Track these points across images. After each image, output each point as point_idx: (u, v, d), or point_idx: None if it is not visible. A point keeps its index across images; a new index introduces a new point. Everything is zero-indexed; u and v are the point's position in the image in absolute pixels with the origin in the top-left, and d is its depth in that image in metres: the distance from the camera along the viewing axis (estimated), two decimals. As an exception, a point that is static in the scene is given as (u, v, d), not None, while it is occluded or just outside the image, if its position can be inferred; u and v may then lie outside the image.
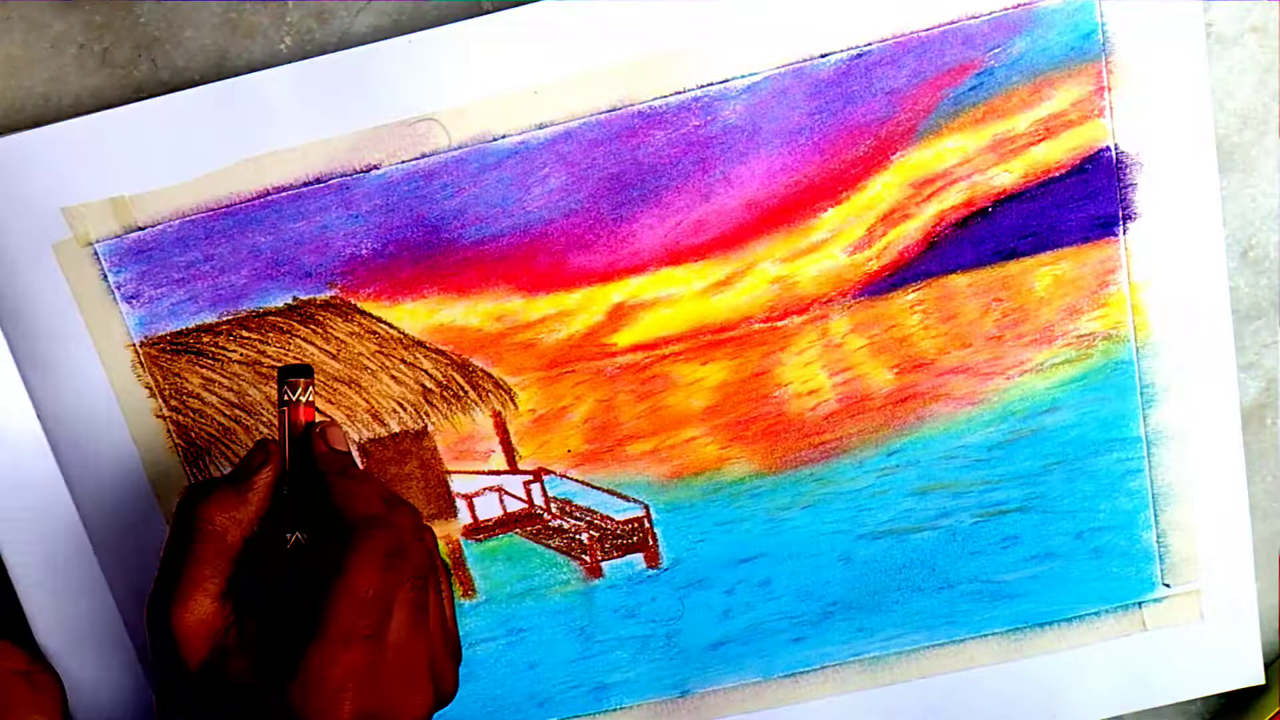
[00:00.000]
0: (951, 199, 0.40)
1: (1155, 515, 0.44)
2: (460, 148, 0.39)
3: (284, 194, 0.39)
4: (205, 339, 0.41)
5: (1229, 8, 0.39)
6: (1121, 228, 0.41)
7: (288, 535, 0.36)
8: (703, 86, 0.39)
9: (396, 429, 0.42)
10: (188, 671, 0.34)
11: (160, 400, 0.41)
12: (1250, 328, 0.43)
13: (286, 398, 0.36)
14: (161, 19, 0.39)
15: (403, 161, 0.39)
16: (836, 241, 0.41)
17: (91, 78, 0.39)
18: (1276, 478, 0.45)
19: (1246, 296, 0.43)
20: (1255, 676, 0.46)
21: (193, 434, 0.42)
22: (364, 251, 0.40)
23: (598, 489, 0.43)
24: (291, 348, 0.41)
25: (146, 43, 0.39)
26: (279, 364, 0.41)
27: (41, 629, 0.43)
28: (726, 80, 0.39)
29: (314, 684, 0.32)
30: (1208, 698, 0.47)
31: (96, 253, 0.39)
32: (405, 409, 0.42)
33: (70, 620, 0.43)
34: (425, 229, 0.40)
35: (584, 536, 0.44)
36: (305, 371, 0.37)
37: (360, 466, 0.39)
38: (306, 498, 0.36)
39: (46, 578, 0.42)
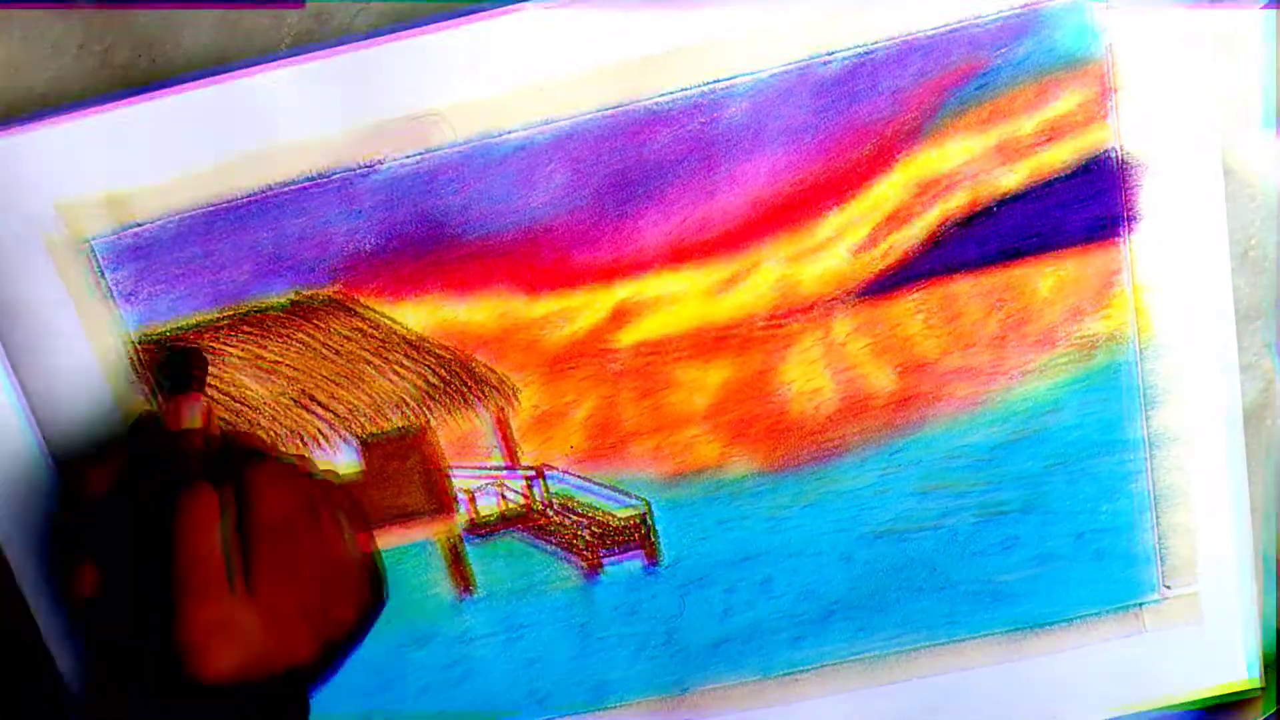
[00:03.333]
0: (956, 200, 0.40)
1: (1156, 517, 0.44)
2: (465, 143, 0.39)
3: (285, 190, 0.39)
4: (204, 336, 0.40)
5: (1231, 7, 0.39)
6: (1125, 229, 0.41)
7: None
8: (708, 84, 0.39)
9: (398, 425, 0.42)
10: (79, 604, 0.37)
11: (158, 399, 0.41)
12: (1250, 328, 0.43)
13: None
14: (161, 20, 0.38)
15: (406, 157, 0.39)
16: (840, 241, 0.41)
17: (91, 79, 0.39)
18: (1275, 477, 0.45)
19: (1246, 297, 0.43)
20: (1252, 678, 0.46)
21: (193, 430, 0.41)
22: (366, 247, 0.40)
23: (599, 486, 0.43)
24: (293, 345, 0.41)
25: (146, 44, 0.38)
26: (280, 360, 0.41)
27: (46, 623, 0.43)
28: (732, 78, 0.39)
29: (180, 641, 0.34)
30: (1205, 699, 0.47)
31: (92, 249, 0.39)
32: (407, 406, 0.42)
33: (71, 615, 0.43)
34: (428, 225, 0.40)
35: (584, 534, 0.44)
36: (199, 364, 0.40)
37: (208, 434, 0.40)
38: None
39: (47, 574, 0.42)
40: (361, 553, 0.40)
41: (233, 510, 0.37)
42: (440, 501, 0.43)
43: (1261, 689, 0.46)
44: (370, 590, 0.40)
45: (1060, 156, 0.40)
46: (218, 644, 0.35)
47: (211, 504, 0.36)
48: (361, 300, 0.40)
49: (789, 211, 0.40)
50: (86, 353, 0.40)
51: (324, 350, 0.41)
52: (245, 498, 0.37)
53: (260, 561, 0.36)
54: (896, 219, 0.41)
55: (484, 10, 0.37)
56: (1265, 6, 0.39)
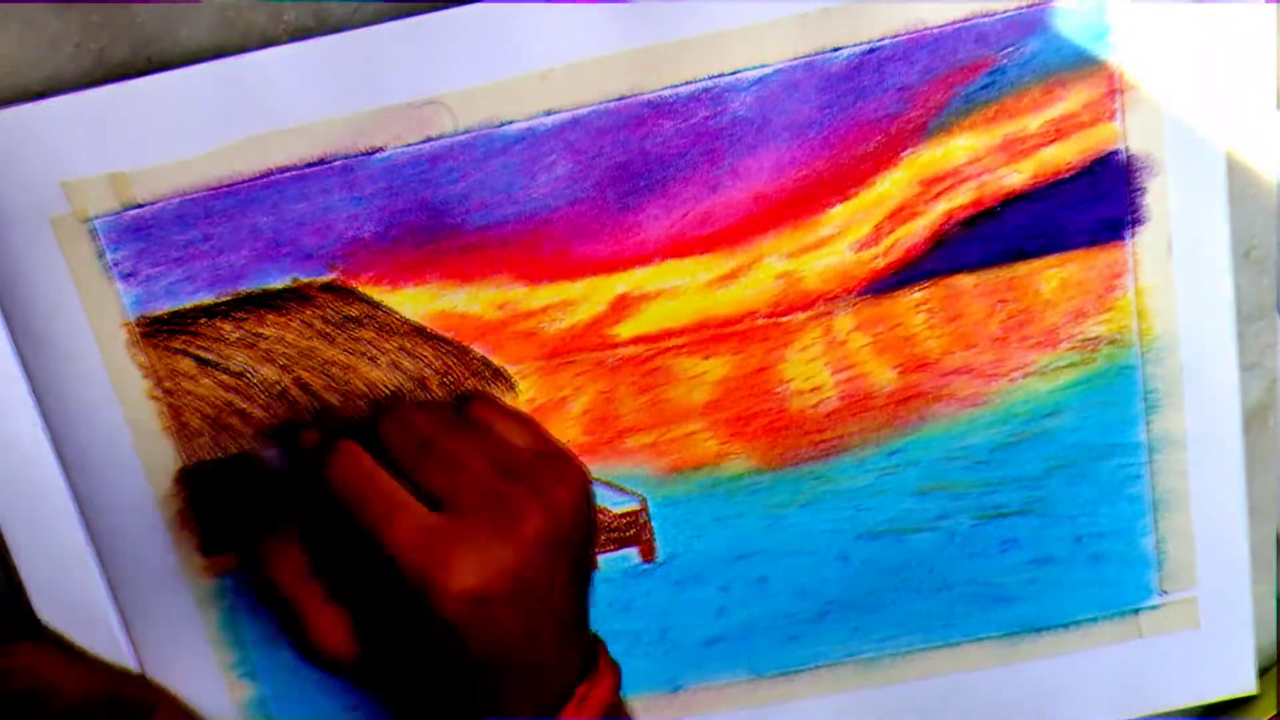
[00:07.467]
0: (960, 198, 0.40)
1: (1155, 521, 0.44)
2: (466, 132, 0.38)
3: (286, 174, 0.39)
4: (202, 319, 0.40)
5: (1234, 7, 0.39)
6: (1130, 231, 0.41)
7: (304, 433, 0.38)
8: (713, 77, 0.38)
9: (393, 415, 0.42)
10: (357, 665, 0.37)
11: (154, 380, 0.41)
12: (1253, 328, 0.43)
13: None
14: (158, 19, 0.38)
15: (407, 144, 0.38)
16: (843, 238, 0.40)
17: (88, 77, 0.38)
18: (1278, 479, 0.45)
19: (1249, 297, 0.43)
20: (1249, 684, 0.46)
21: (185, 415, 0.41)
22: (366, 234, 0.39)
23: (595, 481, 0.43)
24: (290, 331, 0.40)
25: (143, 42, 0.38)
26: (276, 346, 0.40)
27: (38, 602, 0.42)
28: (737, 72, 0.38)
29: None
30: (1203, 704, 0.47)
31: (95, 229, 0.39)
32: (403, 395, 0.41)
33: (64, 593, 0.42)
34: (428, 213, 0.39)
35: (580, 529, 0.43)
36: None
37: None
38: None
39: (42, 554, 0.42)
40: None
41: None
42: (435, 493, 0.43)
43: (1259, 695, 0.46)
44: None
45: (1066, 156, 0.40)
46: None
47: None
48: (360, 287, 0.40)
49: (792, 207, 0.40)
50: (86, 332, 0.40)
51: (321, 337, 0.41)
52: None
53: None
54: (900, 216, 0.40)
55: (488, -2, 0.37)
56: (1270, 1, 0.39)
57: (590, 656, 0.38)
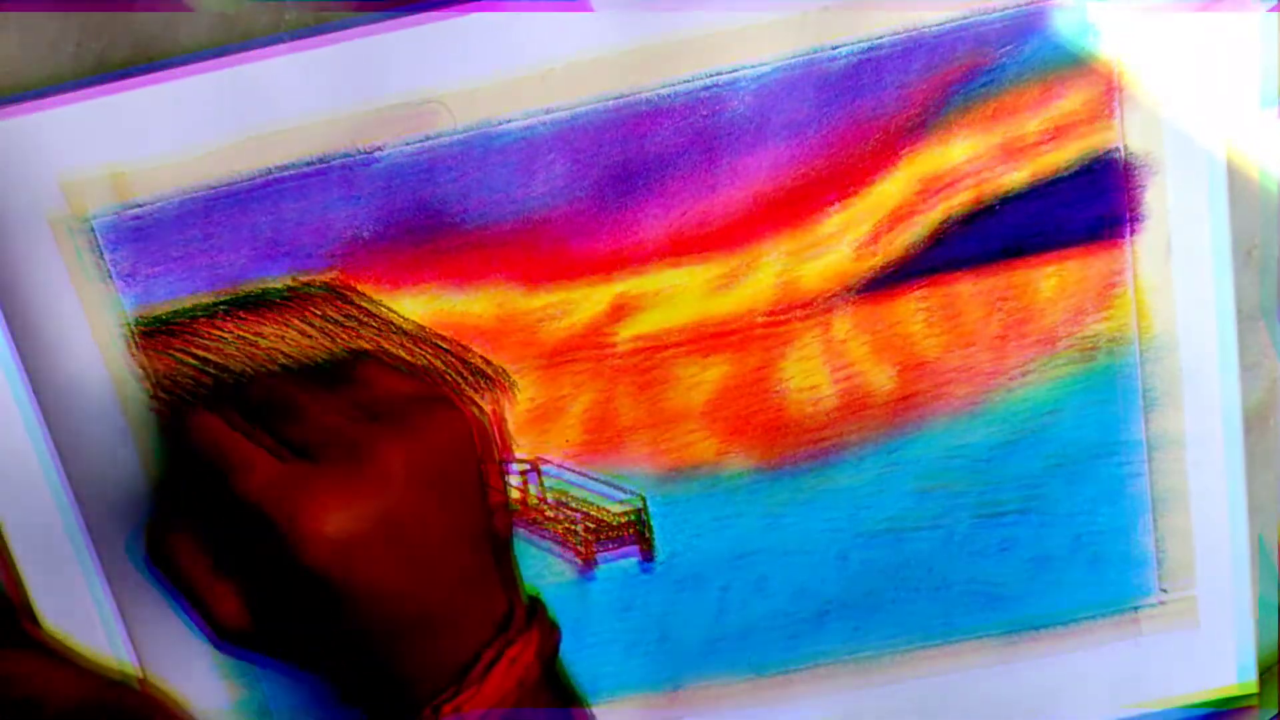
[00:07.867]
0: (959, 197, 0.40)
1: (1154, 520, 0.44)
2: (465, 131, 0.39)
3: (286, 174, 0.39)
4: (201, 319, 0.40)
5: (1236, 9, 0.39)
6: (1129, 230, 0.41)
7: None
8: (712, 76, 0.38)
9: (393, 415, 0.42)
10: (256, 637, 0.37)
11: (153, 380, 0.41)
12: (1253, 328, 0.43)
13: None
14: (158, 20, 0.38)
15: (406, 144, 0.39)
16: (842, 238, 0.40)
17: (88, 78, 0.38)
18: (1278, 479, 0.45)
19: (1249, 297, 0.43)
20: (1249, 682, 0.46)
21: (185, 415, 0.41)
22: (365, 234, 0.39)
23: (594, 481, 0.43)
24: (289, 330, 0.40)
25: (143, 43, 0.38)
26: (275, 347, 0.40)
27: (38, 603, 0.42)
28: (735, 71, 0.38)
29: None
30: (1201, 702, 0.47)
31: (94, 228, 0.39)
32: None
33: (64, 593, 0.42)
34: (427, 213, 0.39)
35: (579, 529, 0.43)
36: None
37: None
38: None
39: (42, 554, 0.42)
40: None
41: None
42: (434, 493, 0.43)
43: (1259, 694, 0.46)
44: None
45: (1064, 156, 0.40)
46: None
47: None
48: (358, 288, 0.40)
49: (791, 207, 0.40)
50: (85, 332, 0.40)
51: (320, 338, 0.41)
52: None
53: None
54: (899, 216, 0.40)
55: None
56: (1271, 9, 0.39)
57: (511, 618, 0.38)
